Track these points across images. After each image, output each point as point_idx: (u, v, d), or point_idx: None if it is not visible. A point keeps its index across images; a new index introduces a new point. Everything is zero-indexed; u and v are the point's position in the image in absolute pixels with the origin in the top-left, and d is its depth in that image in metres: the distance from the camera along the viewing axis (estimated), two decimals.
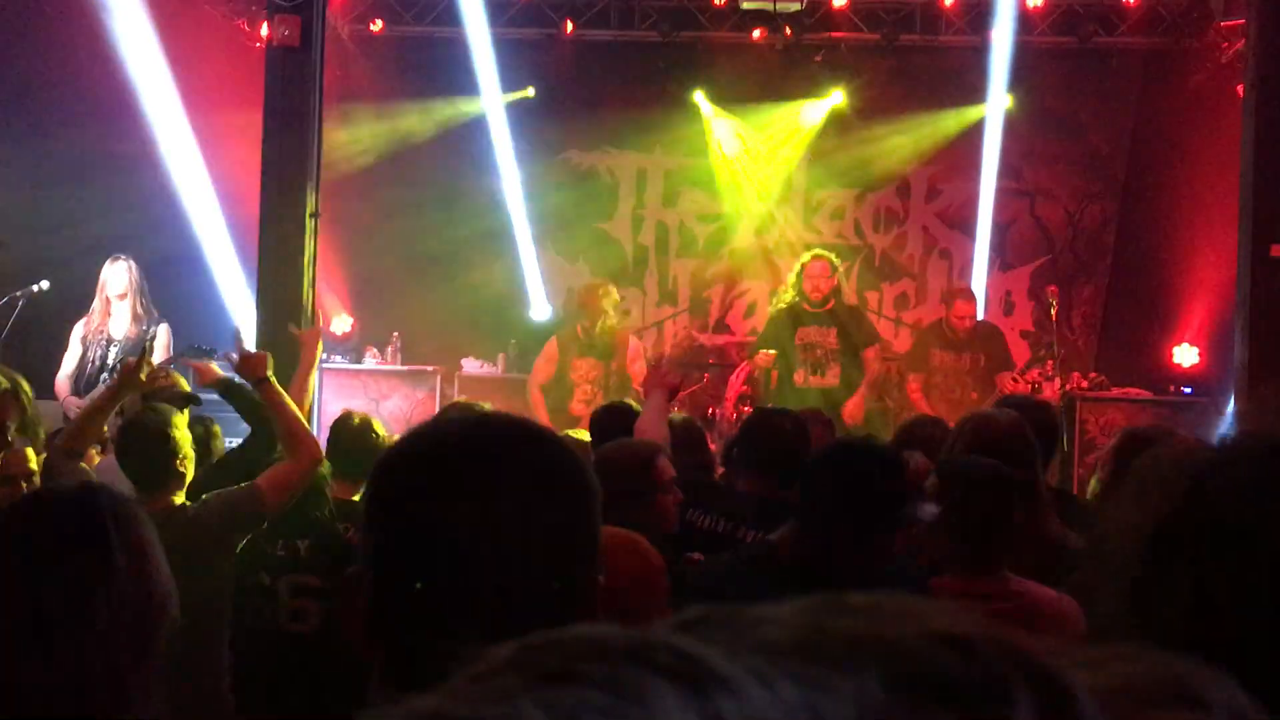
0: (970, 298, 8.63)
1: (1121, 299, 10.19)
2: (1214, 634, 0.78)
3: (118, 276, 7.55)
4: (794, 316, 8.39)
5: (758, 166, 10.63)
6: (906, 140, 10.31)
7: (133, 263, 7.61)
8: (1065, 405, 7.03)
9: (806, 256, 8.60)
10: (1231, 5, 8.73)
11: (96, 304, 7.59)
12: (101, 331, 7.51)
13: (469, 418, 1.49)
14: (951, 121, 10.22)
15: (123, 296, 7.54)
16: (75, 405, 7.27)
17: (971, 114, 10.07)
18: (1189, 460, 0.89)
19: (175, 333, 7.68)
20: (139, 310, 7.55)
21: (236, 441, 5.37)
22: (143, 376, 4.43)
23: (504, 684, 0.35)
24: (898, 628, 0.36)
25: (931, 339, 8.57)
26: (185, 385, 5.34)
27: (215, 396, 5.20)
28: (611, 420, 4.47)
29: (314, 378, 5.51)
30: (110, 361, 7.43)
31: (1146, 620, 0.81)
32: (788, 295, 8.52)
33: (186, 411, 4.47)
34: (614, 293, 8.61)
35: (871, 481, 2.91)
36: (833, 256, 8.57)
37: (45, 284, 7.62)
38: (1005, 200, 10.34)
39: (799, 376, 8.23)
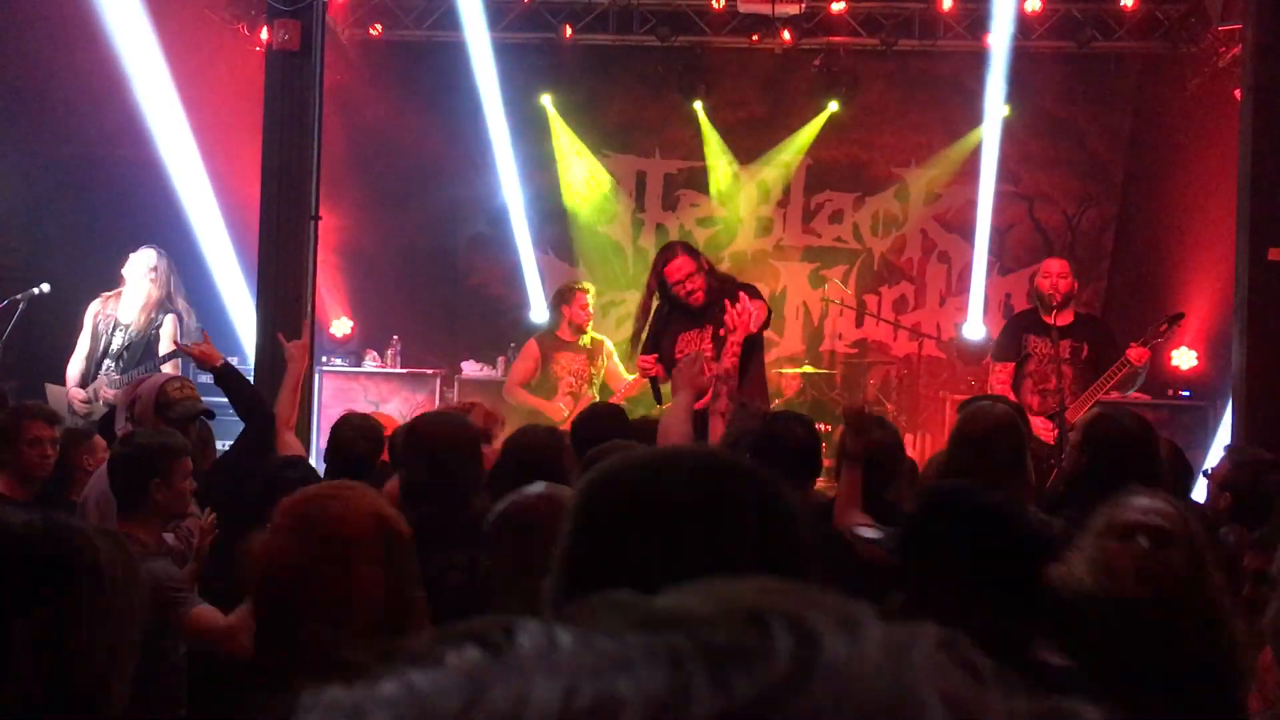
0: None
1: (1120, 302, 10.21)
2: None
3: (139, 261, 7.46)
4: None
5: (756, 170, 10.66)
6: (905, 145, 10.34)
7: (159, 251, 7.50)
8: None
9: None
10: (1228, 10, 8.75)
11: (117, 289, 7.52)
12: (110, 316, 7.46)
13: (684, 454, 1.49)
14: (957, 150, 10.30)
15: (142, 282, 7.47)
16: (78, 399, 7.28)
17: (975, 137, 10.11)
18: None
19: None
20: (156, 299, 7.45)
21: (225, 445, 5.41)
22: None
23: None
24: (711, 605, 0.43)
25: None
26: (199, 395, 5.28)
27: (207, 399, 5.21)
28: (596, 424, 4.44)
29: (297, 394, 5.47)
30: (115, 347, 7.40)
31: None
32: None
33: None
34: (592, 291, 8.44)
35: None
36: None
37: (46, 286, 7.62)
38: (1004, 204, 10.36)
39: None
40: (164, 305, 7.50)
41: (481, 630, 0.42)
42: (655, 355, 6.20)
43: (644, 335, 6.41)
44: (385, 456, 4.69)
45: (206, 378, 5.45)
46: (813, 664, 0.40)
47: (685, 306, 6.16)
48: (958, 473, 3.57)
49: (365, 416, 4.94)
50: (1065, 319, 6.92)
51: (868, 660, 0.41)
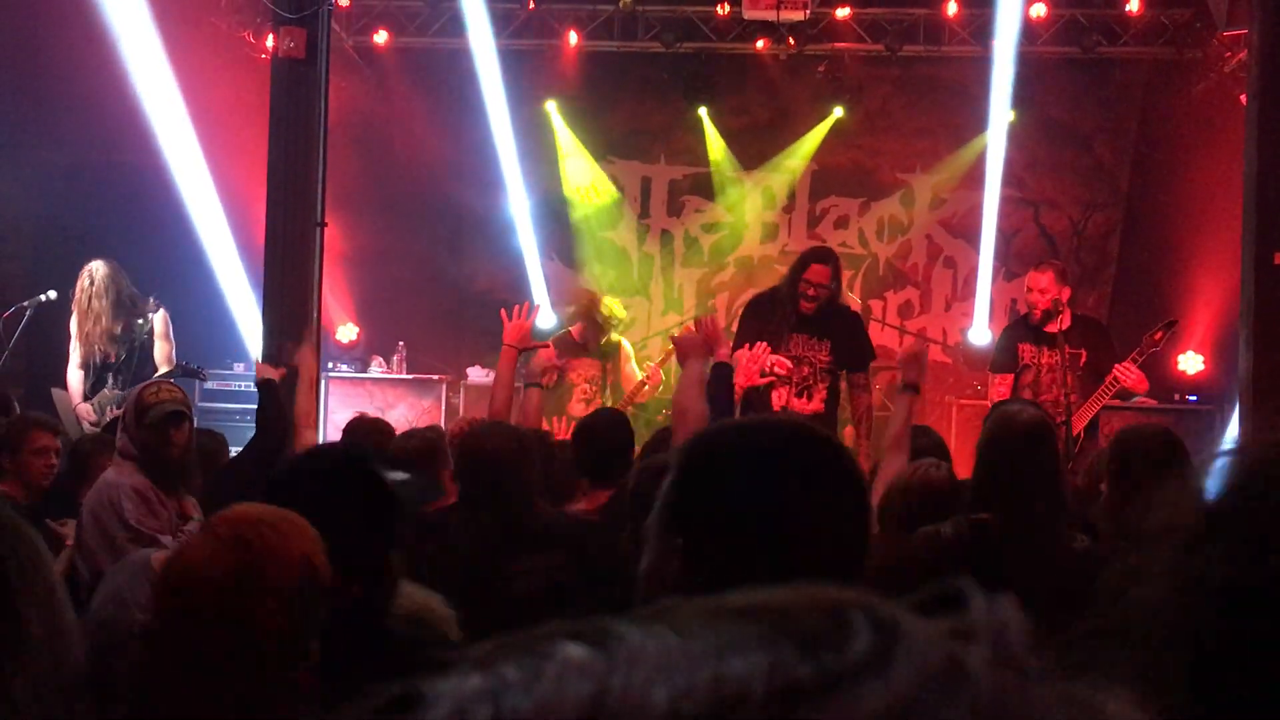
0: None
1: (1126, 307, 10.19)
2: (1251, 625, 0.79)
3: (90, 279, 7.45)
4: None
5: (762, 175, 10.66)
6: (910, 151, 10.35)
7: (101, 262, 7.49)
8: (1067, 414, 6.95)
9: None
10: (1234, 15, 8.74)
11: (83, 310, 7.49)
12: (98, 330, 7.44)
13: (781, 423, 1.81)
14: (962, 156, 10.30)
15: (100, 296, 7.43)
16: (88, 418, 7.29)
17: (980, 143, 10.11)
18: (1242, 456, 0.90)
19: (181, 342, 7.70)
20: (124, 303, 7.47)
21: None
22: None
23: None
24: (791, 599, 0.45)
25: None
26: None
27: (215, 405, 5.27)
28: (603, 427, 4.44)
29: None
30: (114, 361, 7.43)
31: (1186, 607, 0.82)
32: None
33: None
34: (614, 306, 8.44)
35: None
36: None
37: (53, 294, 7.65)
38: (1010, 209, 10.35)
39: (780, 396, 6.71)
40: (134, 304, 7.49)
41: (577, 629, 0.44)
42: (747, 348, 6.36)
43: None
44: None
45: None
46: (892, 646, 0.43)
47: (796, 307, 6.64)
48: (987, 484, 3.37)
49: (376, 419, 5.02)
50: (1062, 325, 6.84)
51: (938, 645, 0.43)
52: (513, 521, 3.51)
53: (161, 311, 7.55)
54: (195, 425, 4.56)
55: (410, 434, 4.61)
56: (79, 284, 7.48)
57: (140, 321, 7.48)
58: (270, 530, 1.85)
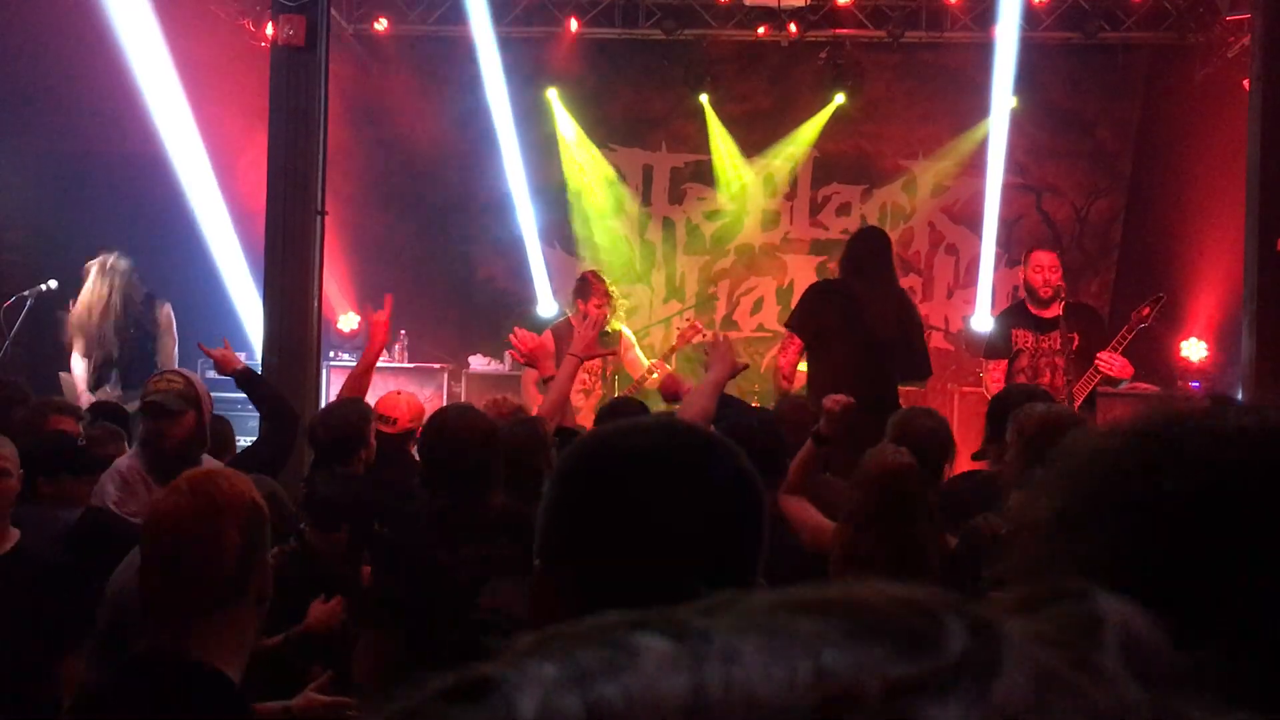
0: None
1: (1128, 293, 10.15)
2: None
3: (100, 271, 7.49)
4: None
5: (763, 163, 10.64)
6: (912, 137, 10.32)
7: (116, 256, 7.53)
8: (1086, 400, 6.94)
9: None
10: (1237, 0, 8.71)
11: (87, 298, 7.52)
12: (100, 323, 7.45)
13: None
14: (964, 142, 10.27)
15: (117, 290, 7.48)
16: (88, 402, 7.29)
17: (983, 129, 10.08)
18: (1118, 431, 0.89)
19: (182, 331, 7.70)
20: (126, 294, 7.49)
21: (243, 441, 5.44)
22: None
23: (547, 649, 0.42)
24: (861, 593, 0.43)
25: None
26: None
27: (217, 395, 5.25)
28: (620, 415, 4.45)
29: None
30: (116, 354, 7.43)
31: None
32: None
33: None
34: (610, 284, 8.44)
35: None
36: None
37: (54, 283, 7.66)
38: (1012, 196, 10.33)
39: None
40: (138, 294, 7.52)
41: (644, 619, 0.42)
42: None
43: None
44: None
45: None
46: (995, 647, 0.41)
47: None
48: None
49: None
50: (1055, 310, 6.84)
51: (1049, 647, 0.42)
52: (465, 507, 3.52)
53: (166, 307, 7.58)
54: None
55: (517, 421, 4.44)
56: (92, 274, 7.47)
57: (147, 317, 7.51)
58: (221, 479, 2.41)
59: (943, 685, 0.39)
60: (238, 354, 9.29)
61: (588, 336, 5.15)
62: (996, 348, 7.08)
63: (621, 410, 4.80)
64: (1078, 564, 0.82)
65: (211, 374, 5.85)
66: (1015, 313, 7.17)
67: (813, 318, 6.39)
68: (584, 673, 0.40)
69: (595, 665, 0.40)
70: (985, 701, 0.39)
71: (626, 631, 0.41)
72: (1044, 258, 7.00)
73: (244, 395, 5.26)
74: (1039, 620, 0.44)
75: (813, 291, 6.72)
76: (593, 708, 0.39)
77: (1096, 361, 6.69)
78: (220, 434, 5.18)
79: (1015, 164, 10.23)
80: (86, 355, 7.46)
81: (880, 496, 3.47)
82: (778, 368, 6.62)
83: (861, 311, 6.25)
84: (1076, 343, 6.85)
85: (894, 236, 10.63)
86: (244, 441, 6.08)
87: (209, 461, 4.54)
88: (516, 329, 5.51)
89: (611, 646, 0.41)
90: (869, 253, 6.48)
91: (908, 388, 7.52)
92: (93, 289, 7.44)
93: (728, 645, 0.40)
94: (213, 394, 4.83)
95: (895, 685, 0.39)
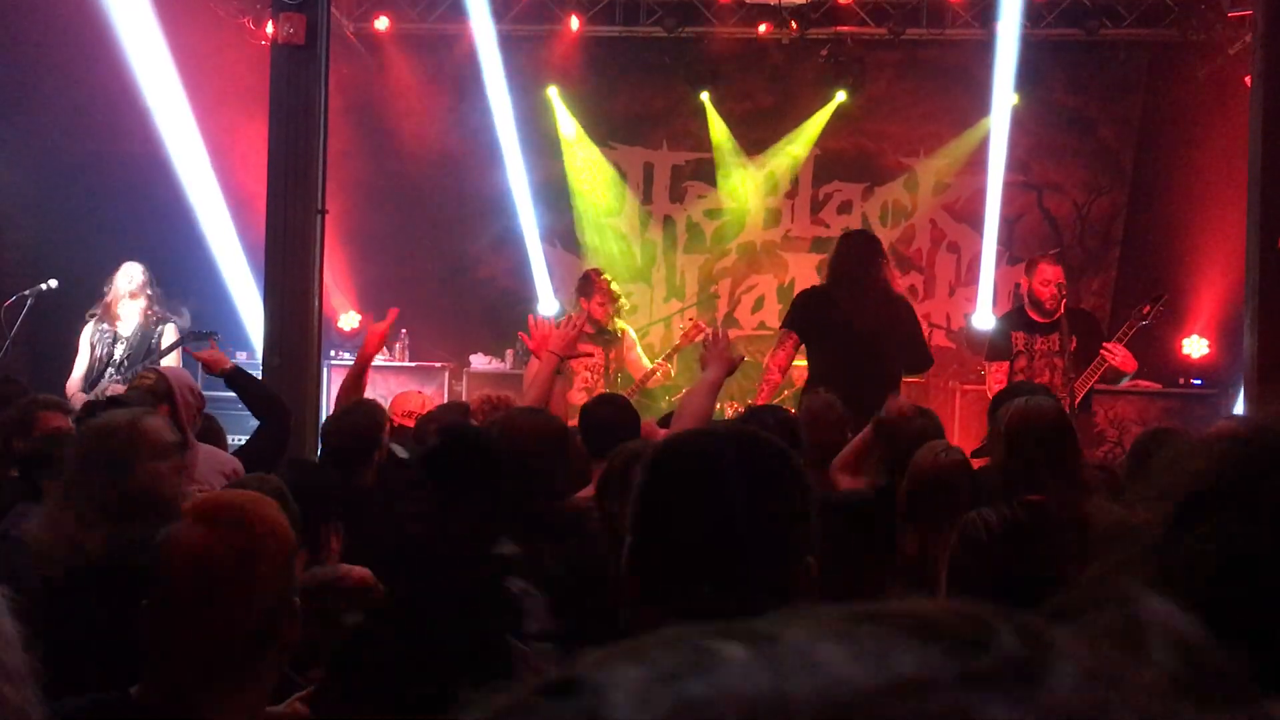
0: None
1: (1130, 291, 10.15)
2: (1239, 597, 0.82)
3: (130, 278, 7.64)
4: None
5: (764, 161, 10.63)
6: (913, 135, 10.31)
7: (143, 267, 7.72)
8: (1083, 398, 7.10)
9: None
10: None
11: (105, 304, 7.65)
12: (110, 331, 7.59)
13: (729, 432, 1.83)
14: (966, 140, 10.26)
15: (134, 296, 7.63)
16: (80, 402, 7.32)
17: (984, 126, 10.07)
18: (1218, 435, 0.93)
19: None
20: (150, 311, 7.65)
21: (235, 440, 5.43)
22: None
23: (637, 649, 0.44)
24: (916, 606, 0.45)
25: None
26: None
27: (215, 393, 5.27)
28: (605, 412, 4.42)
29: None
30: (117, 357, 7.48)
31: (1170, 585, 0.84)
32: None
33: None
34: (614, 281, 8.46)
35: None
36: None
37: (54, 282, 7.68)
38: (1013, 193, 10.32)
39: None
40: (157, 314, 7.67)
41: (713, 627, 0.44)
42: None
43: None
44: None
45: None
46: (1045, 652, 0.43)
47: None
48: (1022, 470, 3.48)
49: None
50: (1056, 314, 7.03)
51: (1098, 651, 0.44)
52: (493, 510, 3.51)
53: (171, 324, 7.66)
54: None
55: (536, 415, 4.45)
56: (114, 286, 7.62)
57: (155, 329, 7.62)
58: (255, 508, 2.02)
59: (996, 684, 0.41)
60: (238, 353, 9.35)
61: (567, 336, 5.19)
62: (998, 350, 7.30)
63: (608, 402, 4.75)
64: (1188, 562, 0.84)
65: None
66: (1015, 316, 7.36)
67: (799, 321, 6.65)
68: (670, 674, 0.42)
69: (679, 667, 0.42)
70: (1035, 701, 0.41)
71: (704, 639, 0.44)
72: (1050, 271, 7.15)
73: (231, 395, 5.26)
74: (1085, 625, 0.46)
75: (800, 297, 6.96)
76: (681, 704, 0.41)
77: (1102, 351, 6.91)
78: (211, 431, 5.15)
79: (1017, 161, 10.22)
80: (86, 376, 7.54)
81: (930, 493, 3.67)
82: (765, 366, 6.81)
83: (841, 315, 6.44)
84: (1074, 345, 6.99)
85: (895, 234, 10.68)
86: (239, 441, 6.07)
87: (207, 449, 4.54)
88: (531, 317, 5.55)
89: (693, 651, 0.43)
90: (850, 257, 6.66)
91: (911, 379, 7.59)
92: (115, 298, 7.59)
93: (801, 648, 0.43)
94: (208, 393, 4.84)
95: (963, 676, 0.41)
